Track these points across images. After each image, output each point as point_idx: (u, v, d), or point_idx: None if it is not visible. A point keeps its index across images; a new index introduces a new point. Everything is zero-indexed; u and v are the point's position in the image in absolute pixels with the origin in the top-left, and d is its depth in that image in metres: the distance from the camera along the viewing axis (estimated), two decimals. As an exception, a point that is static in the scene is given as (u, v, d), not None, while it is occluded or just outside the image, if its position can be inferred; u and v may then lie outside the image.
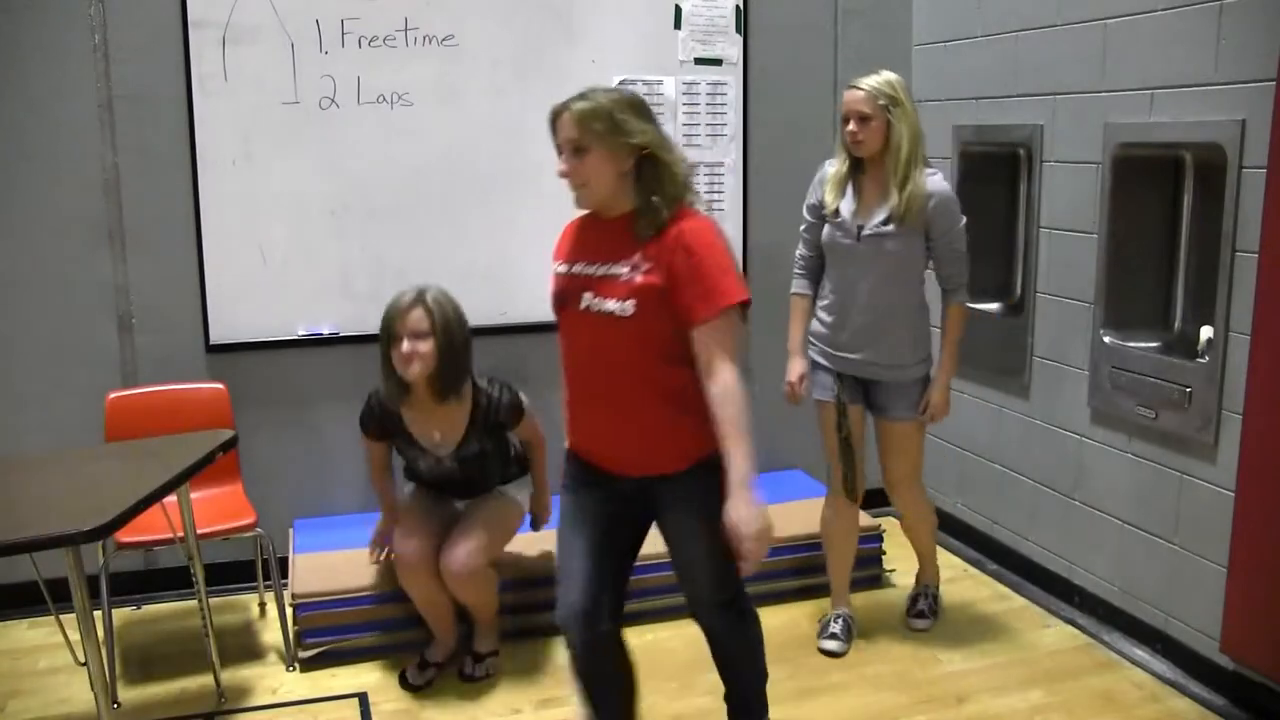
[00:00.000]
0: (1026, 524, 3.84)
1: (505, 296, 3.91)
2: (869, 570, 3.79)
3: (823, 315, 3.20)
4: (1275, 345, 2.76)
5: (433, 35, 3.73)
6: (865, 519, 3.81)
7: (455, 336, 2.94)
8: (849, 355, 3.15)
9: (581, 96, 2.21)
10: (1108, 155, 3.30)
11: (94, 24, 3.47)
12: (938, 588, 3.61)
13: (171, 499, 2.79)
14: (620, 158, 2.19)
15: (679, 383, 2.21)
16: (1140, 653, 3.30)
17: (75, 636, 2.59)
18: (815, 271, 3.24)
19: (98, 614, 2.78)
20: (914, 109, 3.03)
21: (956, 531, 4.23)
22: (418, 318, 2.88)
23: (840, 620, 3.38)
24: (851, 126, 3.01)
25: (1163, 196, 3.27)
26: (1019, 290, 3.80)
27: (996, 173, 3.88)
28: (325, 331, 3.79)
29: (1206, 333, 3.03)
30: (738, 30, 4.06)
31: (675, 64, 4.01)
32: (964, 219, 3.07)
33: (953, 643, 3.41)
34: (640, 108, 2.23)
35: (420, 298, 2.91)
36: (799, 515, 3.81)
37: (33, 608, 3.40)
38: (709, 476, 2.18)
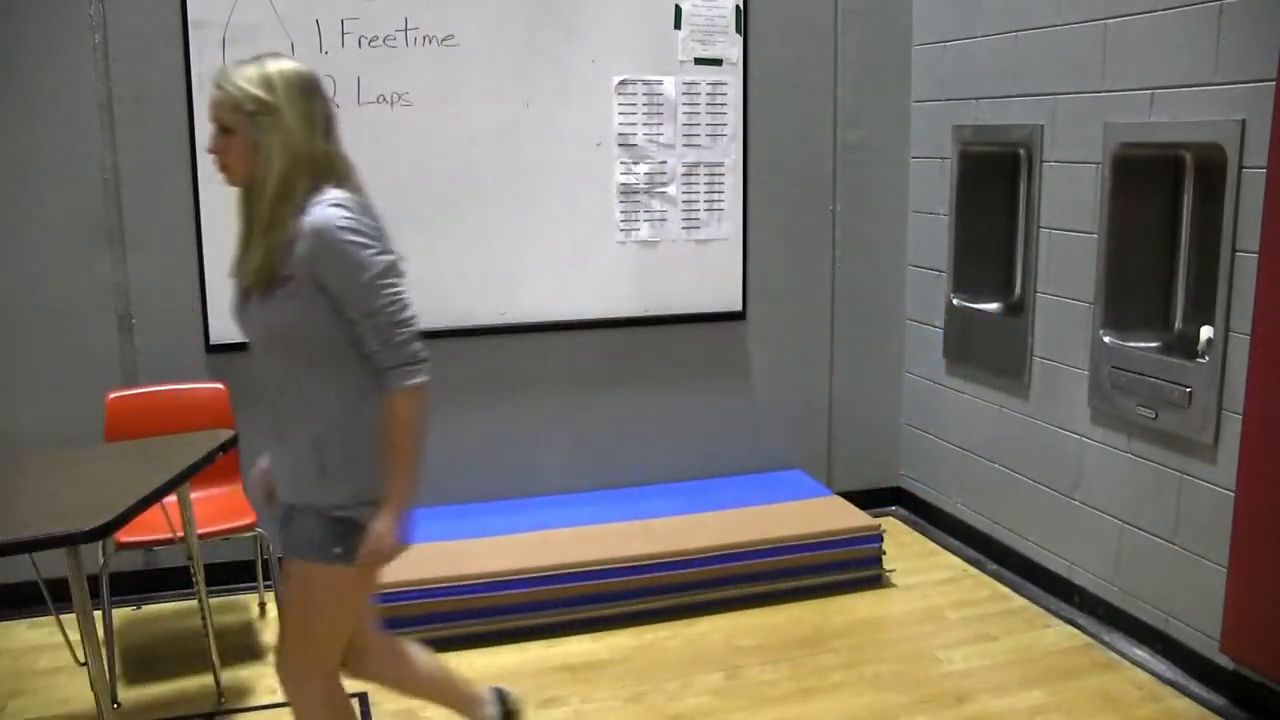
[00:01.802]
0: (1026, 524, 3.84)
1: (505, 296, 3.92)
2: (869, 570, 3.79)
3: None
4: (1275, 345, 2.76)
5: (432, 35, 3.73)
6: (864, 518, 3.82)
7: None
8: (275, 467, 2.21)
9: None
10: (1108, 155, 3.30)
11: (94, 24, 3.47)
12: None
13: (171, 499, 2.79)
14: None
15: None
16: (1140, 653, 3.30)
17: (75, 636, 2.59)
18: None
19: (98, 614, 2.77)
20: (303, 119, 1.99)
21: (956, 531, 4.23)
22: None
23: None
24: (209, 142, 2.05)
25: (1163, 196, 3.27)
26: (1019, 290, 3.81)
27: (996, 173, 3.88)
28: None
29: (1206, 333, 3.03)
30: (738, 30, 4.06)
31: (675, 64, 4.00)
32: (375, 260, 1.98)
33: (953, 643, 3.41)
34: None
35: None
36: (799, 515, 3.82)
37: (33, 608, 3.41)
38: None
